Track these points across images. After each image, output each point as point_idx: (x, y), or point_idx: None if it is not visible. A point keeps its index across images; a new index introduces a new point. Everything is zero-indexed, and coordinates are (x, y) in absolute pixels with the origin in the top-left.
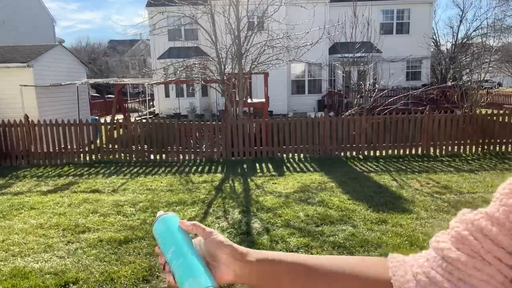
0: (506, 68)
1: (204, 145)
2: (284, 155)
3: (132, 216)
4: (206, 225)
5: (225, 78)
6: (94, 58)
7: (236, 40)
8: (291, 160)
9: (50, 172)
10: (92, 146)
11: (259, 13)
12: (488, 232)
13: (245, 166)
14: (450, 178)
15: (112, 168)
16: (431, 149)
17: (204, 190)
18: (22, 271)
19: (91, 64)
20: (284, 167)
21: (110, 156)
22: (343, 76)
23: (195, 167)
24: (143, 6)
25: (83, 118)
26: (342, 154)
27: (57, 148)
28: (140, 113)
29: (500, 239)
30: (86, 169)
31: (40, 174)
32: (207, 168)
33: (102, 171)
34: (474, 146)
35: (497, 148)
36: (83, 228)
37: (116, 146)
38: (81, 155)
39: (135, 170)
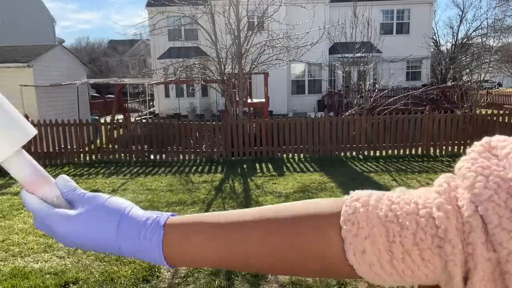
0: (506, 68)
1: (204, 145)
2: (284, 155)
3: None
4: None
5: (225, 78)
6: (94, 58)
7: (236, 40)
8: (291, 160)
9: (50, 172)
10: (92, 146)
11: (259, 13)
12: None
13: (245, 166)
14: None
15: (112, 168)
16: (431, 149)
17: (204, 190)
18: (22, 271)
19: (91, 64)
20: (284, 167)
21: (110, 156)
22: (343, 76)
23: (195, 167)
24: (143, 6)
25: (83, 118)
26: (342, 154)
27: (57, 148)
28: (140, 113)
29: None
30: (86, 169)
31: None
32: (207, 168)
33: (102, 171)
34: None
35: None
36: None
37: (116, 146)
38: (81, 155)
39: (135, 170)
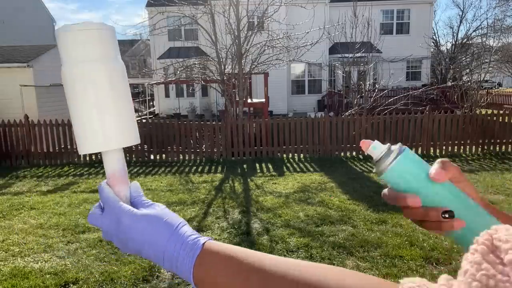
0: (506, 68)
1: (204, 145)
2: (284, 155)
3: None
4: (205, 225)
5: (225, 78)
6: None
7: (236, 40)
8: (291, 160)
9: (50, 172)
10: None
11: (259, 13)
12: None
13: (245, 166)
14: None
15: None
16: (431, 149)
17: (204, 190)
18: (22, 271)
19: None
20: (284, 167)
21: None
22: (343, 76)
23: (195, 167)
24: (143, 6)
25: None
26: (342, 154)
27: (57, 148)
28: (140, 113)
29: None
30: (86, 169)
31: (40, 174)
32: (207, 168)
33: (102, 171)
34: (474, 146)
35: (497, 148)
36: (83, 228)
37: None
38: (81, 155)
39: (135, 170)
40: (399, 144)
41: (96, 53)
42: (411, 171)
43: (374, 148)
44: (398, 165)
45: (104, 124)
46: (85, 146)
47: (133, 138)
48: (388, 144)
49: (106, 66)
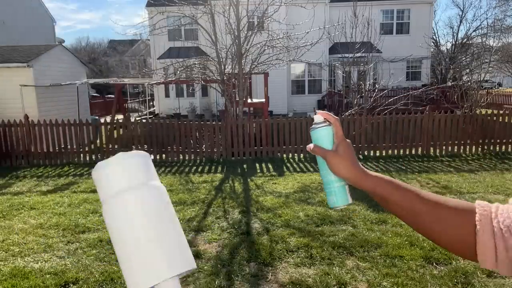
0: (506, 68)
1: (204, 145)
2: (284, 155)
3: None
4: (205, 225)
5: (225, 78)
6: (94, 58)
7: (236, 40)
8: (291, 160)
9: (50, 172)
10: (92, 146)
11: (259, 13)
12: None
13: (245, 166)
14: (450, 178)
15: None
16: (431, 149)
17: (204, 190)
18: (22, 271)
19: (91, 64)
20: (284, 167)
21: (110, 156)
22: (343, 76)
23: (195, 167)
24: (143, 6)
25: (83, 118)
26: None
27: (57, 148)
28: (140, 113)
29: None
30: (86, 169)
31: (40, 174)
32: (207, 168)
33: None
34: (474, 146)
35: (497, 148)
36: (83, 228)
37: (116, 146)
38: (81, 155)
39: None
40: (328, 122)
41: (122, 184)
42: (321, 138)
43: (317, 117)
44: (319, 131)
45: (148, 255)
46: (135, 284)
47: (185, 264)
48: (325, 119)
49: (135, 194)
